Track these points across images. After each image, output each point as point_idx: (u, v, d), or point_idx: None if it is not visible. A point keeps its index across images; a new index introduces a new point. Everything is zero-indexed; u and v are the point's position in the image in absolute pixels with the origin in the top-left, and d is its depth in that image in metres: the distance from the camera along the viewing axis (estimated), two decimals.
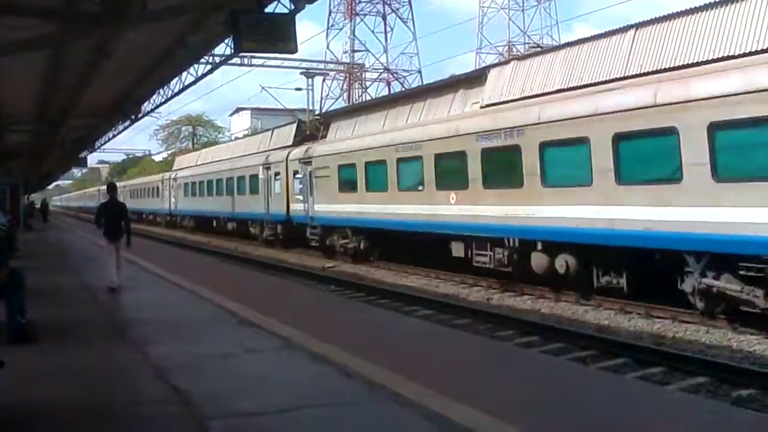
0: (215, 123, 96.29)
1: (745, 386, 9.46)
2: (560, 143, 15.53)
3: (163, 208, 53.29)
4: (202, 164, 46.91)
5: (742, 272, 12.11)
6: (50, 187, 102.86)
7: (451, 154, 18.97)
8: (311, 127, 33.95)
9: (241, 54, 32.14)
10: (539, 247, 16.26)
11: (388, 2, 65.31)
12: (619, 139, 14.04)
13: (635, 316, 13.97)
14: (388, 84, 63.50)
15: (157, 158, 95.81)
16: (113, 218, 14.09)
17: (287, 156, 30.27)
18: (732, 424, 5.66)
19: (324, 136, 30.91)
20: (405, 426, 5.52)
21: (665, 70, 13.87)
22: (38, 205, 61.60)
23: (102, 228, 14.09)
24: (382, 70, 64.15)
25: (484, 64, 45.06)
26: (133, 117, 22.19)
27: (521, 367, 7.66)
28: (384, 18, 65.33)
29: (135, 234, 15.60)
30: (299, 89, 44.70)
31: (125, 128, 28.15)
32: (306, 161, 27.91)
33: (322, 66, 55.41)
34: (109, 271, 13.81)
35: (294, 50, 9.79)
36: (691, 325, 12.95)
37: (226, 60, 17.07)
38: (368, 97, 56.37)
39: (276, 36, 9.39)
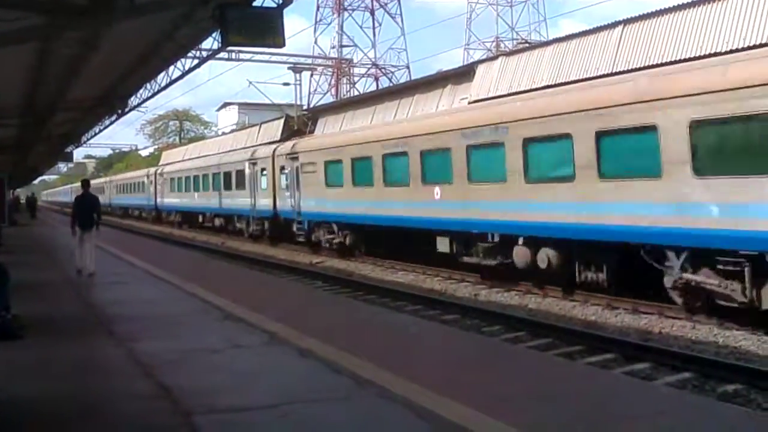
0: (202, 118, 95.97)
1: (730, 381, 9.51)
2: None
3: (105, 202, 69.25)
4: (127, 172, 69.92)
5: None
6: (36, 182, 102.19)
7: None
8: (299, 123, 33.85)
9: (229, 48, 32.10)
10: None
11: None
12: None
13: (622, 312, 14.02)
14: (376, 79, 63.28)
15: (144, 153, 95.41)
16: (87, 210, 15.54)
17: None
18: (718, 418, 5.69)
19: (312, 131, 30.82)
20: (393, 421, 5.51)
21: (653, 66, 13.91)
22: (23, 200, 61.23)
23: (76, 219, 15.44)
24: (370, 66, 63.91)
25: (472, 60, 45.04)
26: (119, 111, 22.04)
27: (509, 363, 7.67)
28: (372, 13, 65.03)
29: (127, 231, 16.12)
30: (287, 84, 44.44)
31: (112, 123, 27.93)
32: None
33: (310, 61, 55.29)
34: (80, 258, 15.28)
35: (282, 44, 9.74)
36: (678, 320, 13.00)
37: (213, 54, 16.94)
38: (356, 93, 56.25)
39: (264, 30, 9.34)
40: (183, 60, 16.81)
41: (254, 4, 9.65)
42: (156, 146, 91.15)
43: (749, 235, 11.46)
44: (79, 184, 21.76)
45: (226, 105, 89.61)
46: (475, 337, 10.99)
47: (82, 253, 15.33)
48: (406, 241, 21.24)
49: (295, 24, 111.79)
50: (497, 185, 16.75)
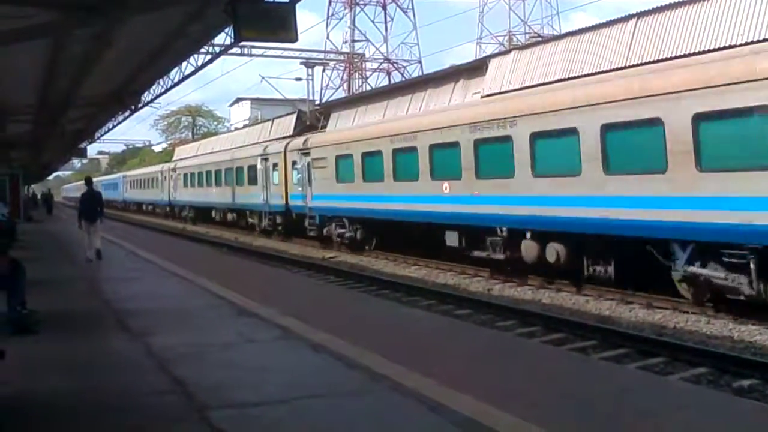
0: (215, 113, 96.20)
1: (746, 376, 9.46)
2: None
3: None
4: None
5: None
6: (50, 177, 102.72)
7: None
8: (311, 118, 33.88)
9: (241, 44, 32.12)
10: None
11: None
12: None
13: (636, 307, 13.96)
14: (389, 74, 63.22)
15: (157, 149, 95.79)
16: (92, 204, 17.61)
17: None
18: (733, 413, 5.65)
19: (324, 127, 30.86)
20: (406, 416, 5.51)
21: (666, 59, 13.81)
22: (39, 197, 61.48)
23: (82, 213, 17.65)
24: (382, 60, 63.89)
25: (484, 54, 44.90)
26: (132, 107, 22.12)
27: (523, 358, 7.65)
28: (384, 7, 64.96)
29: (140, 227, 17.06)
30: (299, 79, 44.55)
31: (125, 118, 28.08)
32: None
33: (322, 56, 55.29)
34: (88, 248, 17.38)
35: (294, 39, 9.73)
36: (692, 315, 12.94)
37: (225, 50, 16.97)
38: (368, 87, 56.22)
39: (276, 25, 9.33)
40: (195, 56, 16.85)
41: None
42: (169, 142, 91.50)
43: None
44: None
45: (238, 100, 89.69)
46: (488, 331, 10.97)
47: (90, 243, 17.42)
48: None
49: (307, 19, 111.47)
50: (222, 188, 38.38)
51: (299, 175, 28.48)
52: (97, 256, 17.41)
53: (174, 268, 15.74)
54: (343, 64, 62.25)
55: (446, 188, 18.99)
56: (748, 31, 12.68)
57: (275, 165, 31.01)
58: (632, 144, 13.68)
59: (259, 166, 32.73)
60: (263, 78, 44.32)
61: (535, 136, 15.90)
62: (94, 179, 22.21)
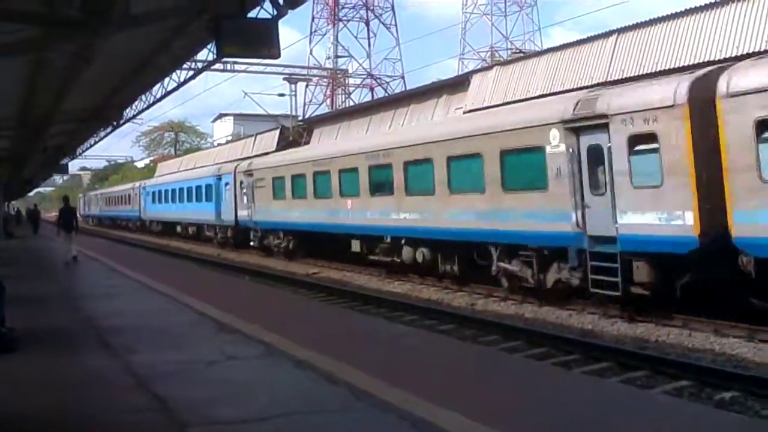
0: (198, 129, 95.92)
1: (727, 389, 9.51)
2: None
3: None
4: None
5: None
6: (31, 194, 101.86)
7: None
8: (294, 133, 33.88)
9: (224, 60, 32.14)
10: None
11: (371, 8, 65.31)
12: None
13: (618, 320, 14.01)
14: (372, 90, 63.36)
15: (140, 165, 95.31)
16: (68, 217, 22.22)
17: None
18: (715, 426, 5.68)
19: (307, 142, 30.89)
20: None
21: (647, 75, 13.96)
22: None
23: (60, 224, 22.44)
24: (365, 76, 64.08)
25: (467, 70, 45.15)
26: (114, 123, 22.08)
27: (505, 372, 7.66)
28: (367, 23, 65.21)
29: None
30: (282, 95, 44.60)
31: (107, 134, 28.01)
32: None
33: (305, 72, 55.41)
34: (66, 252, 21.60)
35: (277, 55, 9.74)
36: (674, 328, 13.00)
37: (208, 65, 16.95)
38: (351, 103, 56.31)
39: (259, 41, 9.35)
40: (178, 71, 16.84)
41: (249, 15, 9.66)
42: (151, 158, 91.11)
43: None
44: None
45: (221, 116, 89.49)
46: (471, 346, 10.97)
47: (67, 249, 21.64)
48: None
49: (289, 35, 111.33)
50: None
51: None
52: (74, 260, 21.21)
53: (156, 284, 15.60)
54: (326, 80, 62.35)
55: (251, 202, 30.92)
56: (726, 47, 12.86)
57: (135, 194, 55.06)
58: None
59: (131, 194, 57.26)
60: (246, 94, 44.37)
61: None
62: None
